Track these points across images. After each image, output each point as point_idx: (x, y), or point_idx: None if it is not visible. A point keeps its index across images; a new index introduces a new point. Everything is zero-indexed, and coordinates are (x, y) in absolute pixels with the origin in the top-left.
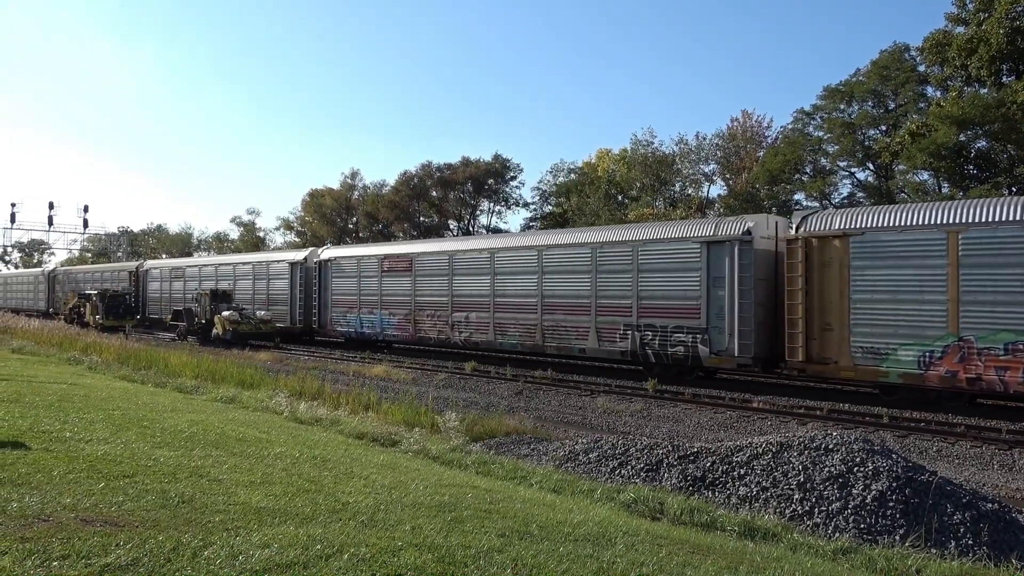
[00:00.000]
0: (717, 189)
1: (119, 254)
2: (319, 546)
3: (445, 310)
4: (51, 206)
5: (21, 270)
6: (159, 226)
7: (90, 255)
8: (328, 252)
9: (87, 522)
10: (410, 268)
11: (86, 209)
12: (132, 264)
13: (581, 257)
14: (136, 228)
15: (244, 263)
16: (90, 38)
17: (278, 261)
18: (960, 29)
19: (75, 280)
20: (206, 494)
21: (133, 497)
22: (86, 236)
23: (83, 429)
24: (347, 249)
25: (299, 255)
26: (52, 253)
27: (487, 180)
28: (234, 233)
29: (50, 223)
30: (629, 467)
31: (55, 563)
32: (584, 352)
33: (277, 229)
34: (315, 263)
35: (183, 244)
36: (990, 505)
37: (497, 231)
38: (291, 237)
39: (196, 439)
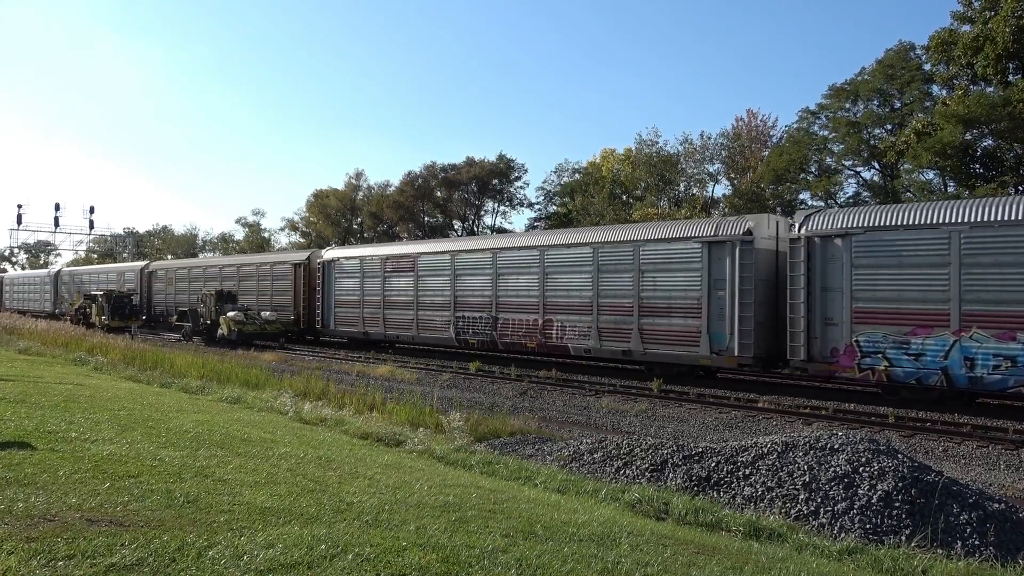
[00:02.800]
0: (722, 189)
1: (124, 255)
2: (324, 546)
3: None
4: (57, 207)
5: (28, 271)
6: (164, 227)
7: (96, 256)
8: (331, 253)
9: (92, 522)
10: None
11: (92, 210)
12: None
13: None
14: (141, 229)
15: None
16: (95, 38)
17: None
18: (966, 28)
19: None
20: (211, 494)
21: (138, 497)
22: (92, 237)
23: (89, 429)
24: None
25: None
26: (58, 254)
27: (491, 180)
28: (239, 234)
29: (56, 224)
30: (634, 467)
31: (60, 563)
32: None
33: (282, 230)
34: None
35: (188, 245)
36: (997, 505)
37: (502, 231)
38: (296, 238)
39: (201, 439)
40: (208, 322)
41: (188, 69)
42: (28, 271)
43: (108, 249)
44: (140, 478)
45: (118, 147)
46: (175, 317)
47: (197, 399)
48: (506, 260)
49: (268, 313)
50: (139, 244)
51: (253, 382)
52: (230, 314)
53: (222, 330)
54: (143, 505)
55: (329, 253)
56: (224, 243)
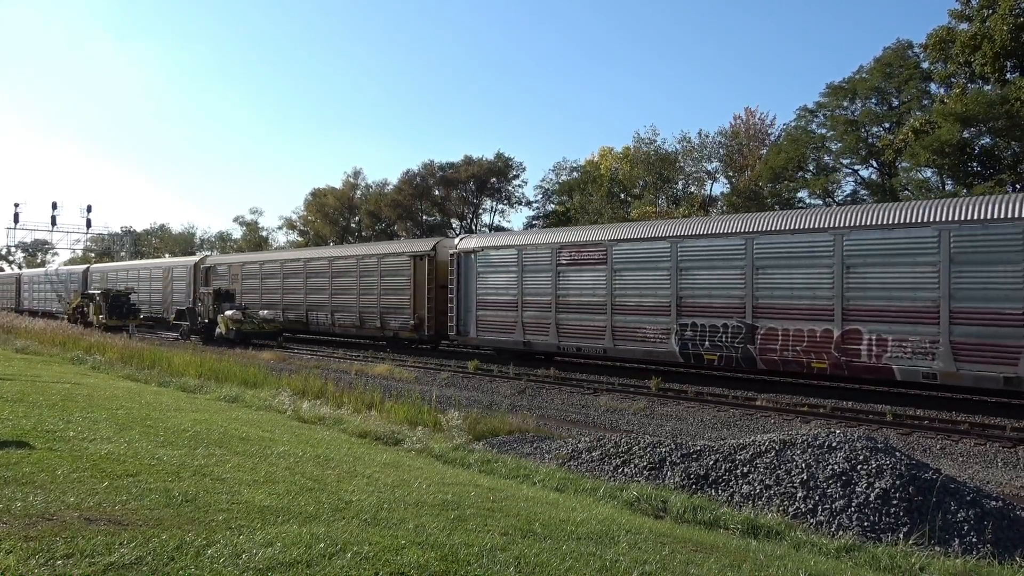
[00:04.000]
0: (720, 187)
1: (122, 254)
2: (322, 545)
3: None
4: (54, 206)
5: (52, 267)
6: (162, 226)
7: (93, 255)
8: (469, 242)
9: (91, 521)
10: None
11: (89, 209)
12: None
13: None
14: (139, 228)
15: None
16: (92, 37)
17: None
18: (964, 26)
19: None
20: (209, 493)
21: (137, 496)
22: (89, 236)
23: (87, 428)
24: (499, 237)
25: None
26: (55, 253)
27: (490, 179)
28: (237, 232)
29: (53, 223)
30: (632, 465)
31: (59, 562)
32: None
33: (280, 228)
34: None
35: (186, 244)
36: (994, 503)
37: (500, 230)
38: (294, 236)
39: (199, 438)
40: (206, 321)
41: (186, 67)
42: (51, 267)
43: (106, 248)
44: (138, 477)
45: (117, 147)
46: (173, 316)
47: (195, 398)
48: (771, 248)
49: (266, 312)
50: (137, 243)
51: (251, 381)
52: (228, 313)
53: (220, 329)
54: (141, 504)
55: (467, 242)
56: (222, 242)
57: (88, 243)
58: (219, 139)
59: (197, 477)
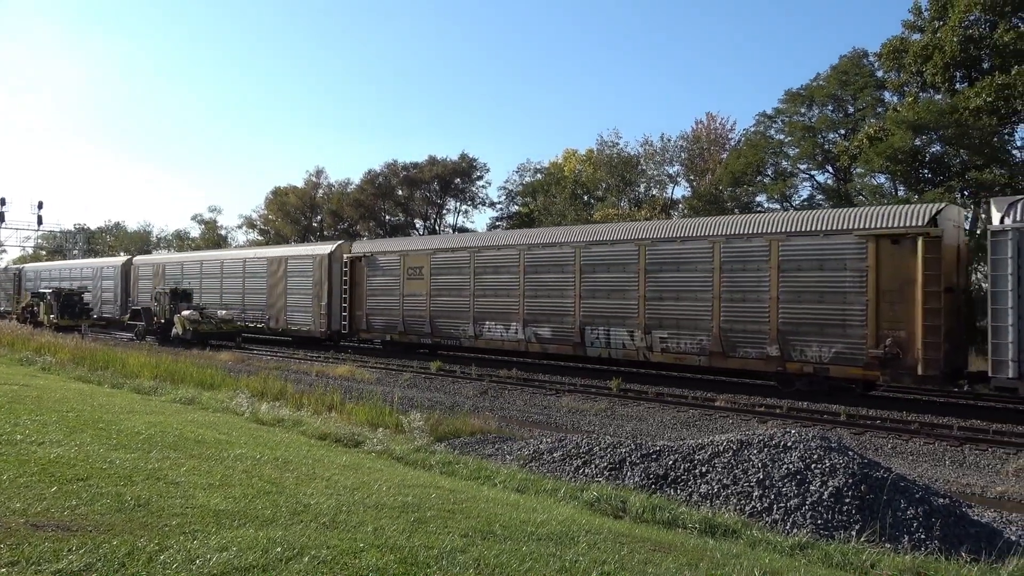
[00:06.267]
0: (681, 190)
1: (75, 252)
2: (279, 548)
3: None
4: (2, 202)
5: (79, 260)
6: (117, 224)
7: (44, 253)
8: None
9: (38, 527)
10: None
11: (40, 205)
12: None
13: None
14: (93, 226)
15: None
16: (38, 26)
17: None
18: (916, 36)
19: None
20: (163, 497)
21: (87, 501)
22: (40, 233)
23: (35, 431)
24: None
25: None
26: (4, 251)
27: (454, 179)
28: (195, 231)
29: (1, 220)
30: (593, 466)
31: (3, 570)
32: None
33: (239, 227)
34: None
35: (142, 242)
36: (942, 500)
37: (464, 230)
38: (254, 235)
39: (154, 441)
40: (162, 321)
41: (142, 64)
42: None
43: (57, 246)
44: (89, 481)
45: (69, 142)
46: (128, 316)
47: (150, 400)
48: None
49: (224, 312)
50: (90, 241)
51: (208, 382)
52: (185, 313)
53: (176, 329)
54: (92, 509)
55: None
56: (180, 241)
57: (39, 240)
58: (178, 135)
59: (151, 481)
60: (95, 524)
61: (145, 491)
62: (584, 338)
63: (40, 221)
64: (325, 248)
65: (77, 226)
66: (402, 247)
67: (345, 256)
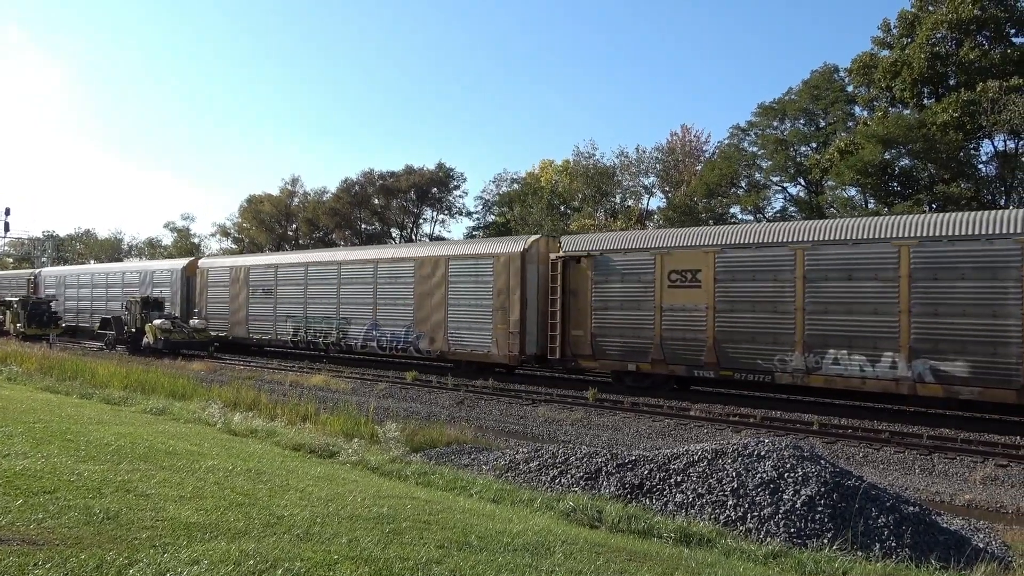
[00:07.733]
0: (657, 201)
1: (43, 259)
2: (252, 561)
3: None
4: None
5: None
6: (87, 231)
7: (12, 261)
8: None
9: (3, 541)
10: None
11: (8, 212)
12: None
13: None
14: (62, 233)
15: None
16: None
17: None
18: (885, 52)
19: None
20: (133, 510)
21: (54, 514)
22: (7, 240)
23: (0, 443)
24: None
25: (516, 246)
26: None
27: (430, 189)
28: (167, 239)
29: None
30: (569, 476)
31: None
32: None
33: (213, 235)
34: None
35: (112, 249)
36: (912, 508)
37: (440, 239)
38: (228, 244)
39: (123, 452)
40: (133, 330)
41: (113, 69)
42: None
43: (25, 253)
44: (56, 494)
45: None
46: (98, 325)
47: (120, 411)
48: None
49: (196, 321)
50: (60, 248)
51: (180, 392)
52: (156, 322)
53: (148, 338)
54: (59, 522)
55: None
56: (151, 248)
57: (6, 248)
58: (151, 142)
59: (120, 493)
60: (63, 538)
61: (114, 504)
62: None
63: (7, 228)
64: (515, 245)
65: (46, 233)
66: (657, 242)
67: (552, 255)
